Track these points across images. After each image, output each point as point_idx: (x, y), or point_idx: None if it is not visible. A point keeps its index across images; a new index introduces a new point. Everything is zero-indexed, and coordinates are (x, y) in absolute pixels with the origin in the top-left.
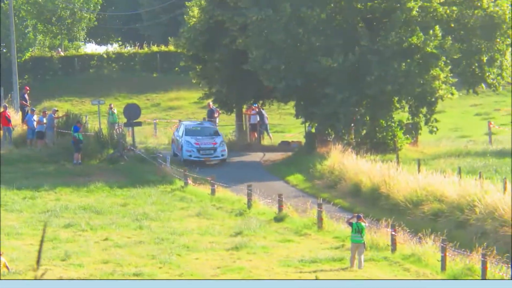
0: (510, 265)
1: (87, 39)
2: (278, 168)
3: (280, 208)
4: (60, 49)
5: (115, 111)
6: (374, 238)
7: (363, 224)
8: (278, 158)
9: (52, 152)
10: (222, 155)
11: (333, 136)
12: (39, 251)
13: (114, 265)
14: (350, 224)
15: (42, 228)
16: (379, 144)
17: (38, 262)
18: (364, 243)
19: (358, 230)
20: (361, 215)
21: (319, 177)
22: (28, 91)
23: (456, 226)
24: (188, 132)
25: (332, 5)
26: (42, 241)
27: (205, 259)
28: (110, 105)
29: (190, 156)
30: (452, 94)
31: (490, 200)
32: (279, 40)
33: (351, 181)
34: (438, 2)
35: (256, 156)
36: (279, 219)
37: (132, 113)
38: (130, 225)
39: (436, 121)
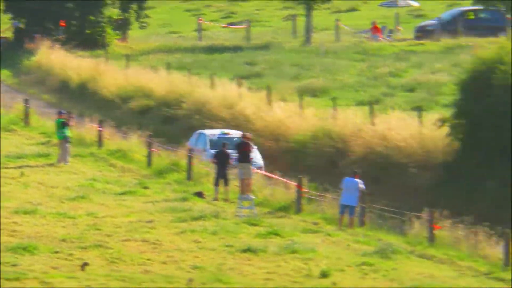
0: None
1: None
2: None
3: None
4: None
5: None
6: (81, 133)
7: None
8: None
9: None
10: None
11: (42, 32)
12: None
13: None
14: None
15: None
16: (88, 40)
17: None
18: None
19: (62, 126)
20: (64, 111)
21: (26, 73)
22: None
23: (163, 122)
24: (214, 144)
25: None
26: None
27: None
28: None
29: None
30: None
31: (198, 96)
32: None
33: (59, 77)
34: None
35: None
36: None
37: None
38: None
39: (147, 16)
